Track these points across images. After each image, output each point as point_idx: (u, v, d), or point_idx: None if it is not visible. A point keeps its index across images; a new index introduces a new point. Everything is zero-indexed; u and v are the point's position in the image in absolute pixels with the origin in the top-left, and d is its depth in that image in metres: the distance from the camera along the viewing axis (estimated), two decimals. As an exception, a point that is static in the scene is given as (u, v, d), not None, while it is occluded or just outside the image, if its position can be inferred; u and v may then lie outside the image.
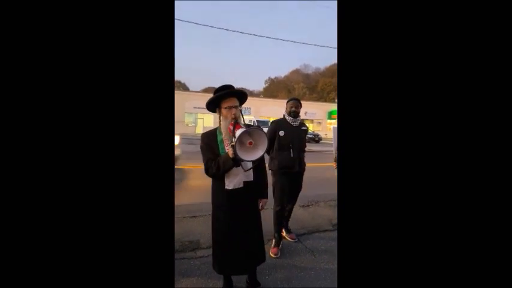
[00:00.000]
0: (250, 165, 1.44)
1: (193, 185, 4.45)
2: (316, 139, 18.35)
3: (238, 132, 1.25)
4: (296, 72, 57.62)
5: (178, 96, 24.94)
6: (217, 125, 1.52)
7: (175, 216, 2.81)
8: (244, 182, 1.46)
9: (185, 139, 16.29)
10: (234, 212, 1.47)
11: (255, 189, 1.53)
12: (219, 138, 1.45)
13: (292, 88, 51.93)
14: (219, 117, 1.45)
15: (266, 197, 1.63)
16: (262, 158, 1.45)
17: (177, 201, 3.25)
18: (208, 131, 1.52)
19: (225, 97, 1.42)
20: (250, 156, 1.26)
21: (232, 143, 1.28)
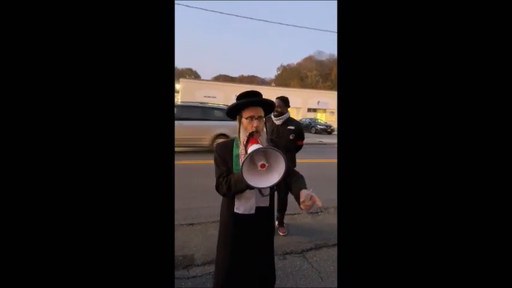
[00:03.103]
0: (268, 190, 1.19)
1: (193, 185, 4.12)
2: (329, 130, 17.78)
3: (251, 149, 0.99)
4: (309, 59, 56.00)
5: (189, 84, 24.82)
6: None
7: (170, 224, 2.61)
8: (257, 207, 1.22)
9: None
10: (241, 240, 1.25)
11: (269, 216, 1.30)
12: (234, 152, 1.24)
13: (305, 76, 50.74)
14: (239, 127, 1.23)
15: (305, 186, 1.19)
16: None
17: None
18: (224, 142, 1.31)
19: (247, 105, 1.20)
20: (261, 181, 0.99)
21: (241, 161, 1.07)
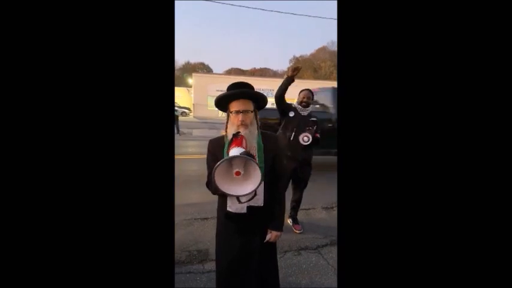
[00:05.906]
0: (261, 188, 1.12)
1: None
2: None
3: (231, 152, 0.93)
4: (323, 49, 54.54)
5: (201, 79, 24.96)
6: None
7: (184, 219, 2.64)
8: (249, 207, 1.15)
9: (207, 123, 16.35)
10: (235, 239, 1.20)
11: (264, 217, 1.22)
12: (225, 149, 1.17)
13: (318, 67, 49.64)
14: (227, 121, 1.17)
15: (277, 228, 1.26)
16: (280, 176, 1.25)
17: (187, 200, 3.10)
18: (217, 138, 1.24)
19: (233, 98, 1.12)
20: (233, 188, 0.93)
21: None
